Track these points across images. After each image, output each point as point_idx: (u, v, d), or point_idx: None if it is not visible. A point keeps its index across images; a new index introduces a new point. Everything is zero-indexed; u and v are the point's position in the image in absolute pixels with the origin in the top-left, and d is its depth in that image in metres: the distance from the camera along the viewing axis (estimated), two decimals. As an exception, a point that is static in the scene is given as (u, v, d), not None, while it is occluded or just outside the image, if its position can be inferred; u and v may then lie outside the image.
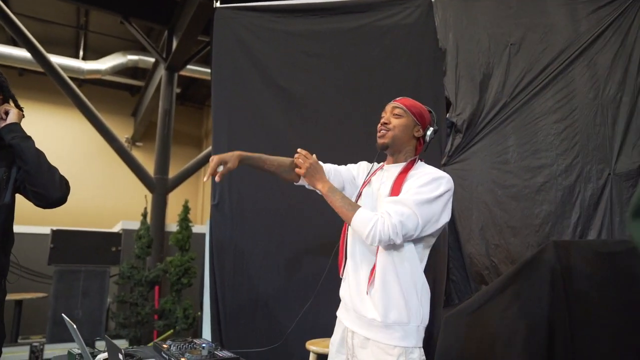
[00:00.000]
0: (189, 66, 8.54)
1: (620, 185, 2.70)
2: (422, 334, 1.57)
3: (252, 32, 3.07)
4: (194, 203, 10.85)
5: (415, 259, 1.57)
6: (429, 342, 2.57)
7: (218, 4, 3.11)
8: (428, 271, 2.71)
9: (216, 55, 3.08)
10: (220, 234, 2.90)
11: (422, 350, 1.56)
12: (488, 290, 2.31)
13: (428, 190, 1.49)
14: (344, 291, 1.73)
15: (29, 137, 1.79)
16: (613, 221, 2.67)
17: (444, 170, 2.74)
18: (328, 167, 1.81)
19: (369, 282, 1.54)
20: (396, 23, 2.94)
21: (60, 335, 4.50)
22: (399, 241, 1.45)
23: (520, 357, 2.13)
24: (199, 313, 5.51)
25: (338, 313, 1.76)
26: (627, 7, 2.87)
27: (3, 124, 1.78)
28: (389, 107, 1.72)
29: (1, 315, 1.78)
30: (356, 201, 1.71)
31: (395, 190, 1.56)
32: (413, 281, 1.56)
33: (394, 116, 1.68)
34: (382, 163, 1.81)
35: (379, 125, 1.70)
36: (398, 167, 1.66)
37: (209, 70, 9.68)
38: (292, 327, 2.49)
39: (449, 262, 2.71)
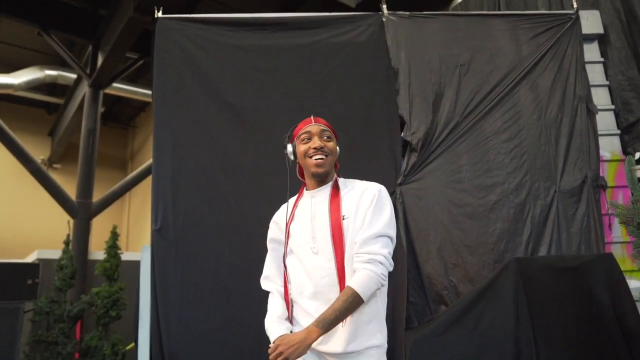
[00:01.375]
0: (114, 84, 8.05)
1: (565, 202, 2.82)
2: None
3: (197, 46, 2.89)
4: (120, 229, 10.16)
5: None
6: (392, 368, 2.47)
7: (160, 14, 2.90)
8: (388, 295, 2.65)
9: (158, 68, 2.85)
10: (163, 262, 2.64)
11: None
12: (453, 312, 2.27)
13: (382, 209, 1.49)
14: (299, 313, 1.56)
15: None
16: (561, 236, 2.77)
17: (401, 190, 2.75)
18: (270, 268, 1.67)
19: None
20: (348, 41, 2.91)
21: (-37, 386, 3.88)
22: (391, 269, 1.45)
23: (491, 378, 2.09)
24: (131, 346, 5.05)
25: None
26: (561, 35, 3.06)
27: None
28: (314, 129, 1.58)
29: None
30: (286, 242, 1.59)
31: (334, 210, 1.51)
32: (376, 302, 1.49)
33: (325, 139, 1.57)
34: (295, 196, 1.68)
35: (312, 149, 1.54)
36: (326, 190, 1.58)
37: (135, 89, 9.29)
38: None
39: (408, 284, 2.65)
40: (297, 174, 1.67)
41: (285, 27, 2.94)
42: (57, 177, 7.89)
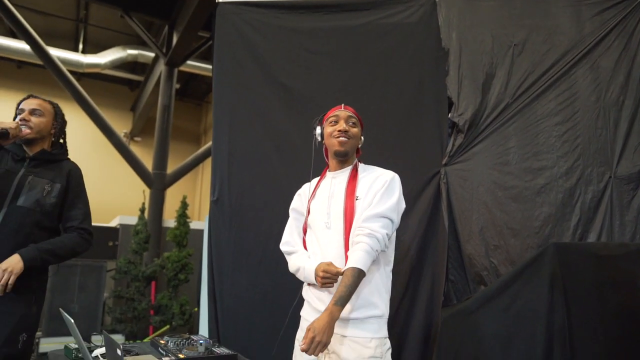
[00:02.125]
0: (188, 62, 8.51)
1: (621, 188, 2.69)
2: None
3: (254, 28, 3.05)
4: (192, 199, 10.85)
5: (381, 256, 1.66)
6: (427, 343, 2.57)
7: (220, -1, 3.09)
8: (428, 272, 2.71)
9: (217, 51, 3.06)
10: (219, 231, 2.89)
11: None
12: (487, 292, 2.31)
13: (391, 194, 1.65)
14: (310, 293, 1.75)
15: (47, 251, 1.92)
16: (613, 224, 2.66)
17: (446, 171, 2.78)
18: (291, 234, 1.86)
19: None
20: (399, 22, 2.93)
21: (57, 329, 4.49)
22: (386, 249, 1.62)
23: (519, 359, 2.13)
24: (196, 309, 5.50)
25: (303, 313, 1.81)
26: (632, 10, 2.86)
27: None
28: (342, 114, 1.76)
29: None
30: (307, 217, 1.77)
31: (350, 191, 1.67)
32: (380, 276, 1.64)
33: (351, 125, 1.75)
34: (319, 177, 1.88)
35: (337, 131, 1.73)
36: (346, 172, 1.76)
37: (209, 66, 9.73)
38: (286, 322, 2.49)
39: (448, 262, 2.70)
40: (324, 154, 1.86)
41: (338, 9, 3.02)
42: (137, 150, 8.58)
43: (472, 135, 2.77)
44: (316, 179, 1.89)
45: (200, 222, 6.70)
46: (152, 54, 9.05)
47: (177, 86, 9.42)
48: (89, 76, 10.27)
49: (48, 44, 6.98)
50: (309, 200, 1.80)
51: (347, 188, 1.69)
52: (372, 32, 2.96)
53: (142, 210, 5.69)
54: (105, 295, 5.29)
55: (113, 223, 7.31)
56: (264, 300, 2.76)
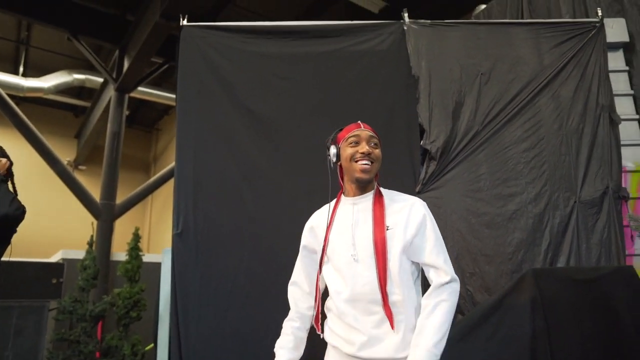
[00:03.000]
0: (139, 88, 8.24)
1: (585, 212, 2.78)
2: None
3: (220, 53, 2.95)
4: (141, 231, 10.31)
5: (415, 285, 1.56)
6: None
7: (185, 22, 2.98)
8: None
9: (182, 75, 2.92)
10: (183, 266, 2.69)
11: None
12: (470, 321, 2.26)
13: (437, 227, 1.60)
14: (337, 338, 1.54)
15: None
16: (580, 248, 2.73)
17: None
18: (299, 275, 1.71)
19: (391, 322, 1.43)
20: (370, 49, 2.93)
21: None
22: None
23: (506, 389, 2.08)
24: (148, 348, 5.13)
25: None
26: (585, 43, 3.02)
27: None
28: (363, 134, 1.57)
29: None
30: (323, 249, 1.59)
31: (379, 220, 1.51)
32: (411, 314, 1.49)
33: (373, 146, 1.57)
34: (333, 201, 1.67)
35: (359, 153, 1.54)
36: (369, 197, 1.58)
37: (160, 93, 9.48)
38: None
39: (423, 291, 2.65)
40: (339, 177, 1.66)
41: (306, 35, 2.98)
42: (82, 179, 8.10)
43: (445, 162, 2.78)
44: (328, 206, 1.66)
45: (152, 255, 6.35)
46: (101, 79, 8.70)
47: (127, 112, 9.08)
48: (30, 101, 9.70)
49: (-15, 66, 6.54)
50: (326, 230, 1.59)
51: (375, 216, 1.51)
52: (342, 59, 2.94)
53: (91, 244, 5.30)
54: (46, 339, 4.82)
55: (55, 258, 6.79)
56: (234, 337, 2.58)
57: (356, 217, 1.55)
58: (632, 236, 2.81)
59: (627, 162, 2.98)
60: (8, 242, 1.91)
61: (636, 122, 3.09)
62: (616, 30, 3.19)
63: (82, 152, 10.72)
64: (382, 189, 1.62)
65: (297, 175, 2.78)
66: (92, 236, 5.44)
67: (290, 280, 1.72)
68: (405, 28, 2.96)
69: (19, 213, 1.98)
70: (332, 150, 1.60)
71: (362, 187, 1.58)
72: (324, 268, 1.60)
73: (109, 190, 7.02)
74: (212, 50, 2.95)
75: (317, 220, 1.69)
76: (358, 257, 1.48)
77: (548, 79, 2.94)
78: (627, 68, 3.19)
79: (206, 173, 2.81)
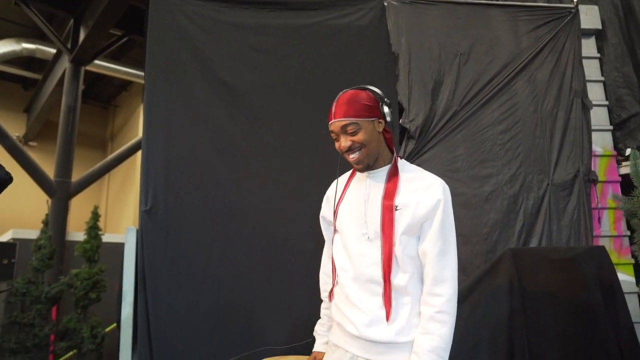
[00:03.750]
0: (95, 61, 7.80)
1: (557, 194, 2.84)
2: None
3: (193, 22, 2.78)
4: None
5: (418, 273, 1.43)
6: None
7: (155, -13, 2.78)
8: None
9: (151, 46, 2.73)
10: (152, 245, 2.55)
11: None
12: (448, 300, 2.26)
13: (450, 219, 1.42)
14: (341, 315, 1.47)
15: None
16: (552, 229, 2.79)
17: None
18: (325, 255, 1.68)
19: (388, 309, 1.38)
20: (349, 24, 2.85)
21: None
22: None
23: (485, 366, 2.10)
24: (108, 329, 4.95)
25: (333, 339, 1.51)
26: (560, 29, 3.06)
27: None
28: (337, 128, 1.41)
29: None
30: (334, 222, 1.52)
31: (388, 197, 1.40)
32: (418, 297, 1.42)
33: (351, 135, 1.39)
34: (348, 172, 1.58)
35: (341, 148, 1.42)
36: (384, 171, 1.46)
37: (118, 67, 9.02)
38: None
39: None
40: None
41: (283, 7, 2.86)
42: (33, 156, 7.64)
43: (423, 141, 2.76)
44: (346, 175, 1.56)
45: (111, 235, 6.10)
46: (53, 50, 8.17)
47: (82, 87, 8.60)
48: (-27, 71, 9.04)
49: None
50: (337, 203, 1.50)
51: (385, 193, 1.40)
52: (321, 33, 2.84)
53: (46, 223, 5.01)
54: (-3, 322, 4.56)
55: (4, 237, 6.40)
56: (206, 322, 2.48)
57: (369, 192, 1.46)
58: (599, 218, 2.90)
59: (596, 147, 3.05)
60: None
61: (605, 108, 3.17)
62: (590, 17, 3.24)
63: (32, 128, 10.11)
64: (402, 163, 1.50)
65: (274, 151, 2.68)
66: (47, 215, 5.15)
67: (321, 270, 1.69)
68: (385, 4, 2.89)
69: (8, 178, 1.82)
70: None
71: (373, 166, 1.46)
72: (334, 240, 1.54)
73: (64, 167, 6.64)
74: (184, 19, 2.77)
75: (332, 190, 1.60)
76: (369, 236, 1.41)
77: (525, 62, 2.96)
78: (598, 55, 3.26)
79: (177, 149, 2.66)
